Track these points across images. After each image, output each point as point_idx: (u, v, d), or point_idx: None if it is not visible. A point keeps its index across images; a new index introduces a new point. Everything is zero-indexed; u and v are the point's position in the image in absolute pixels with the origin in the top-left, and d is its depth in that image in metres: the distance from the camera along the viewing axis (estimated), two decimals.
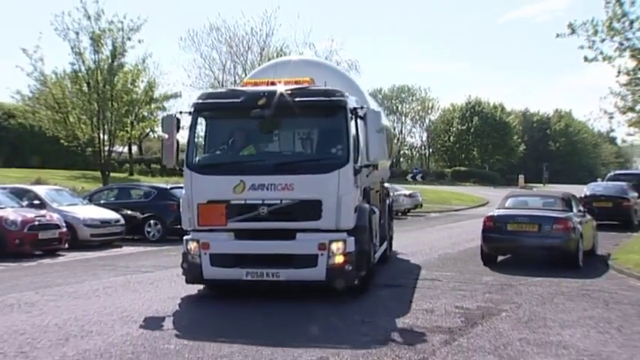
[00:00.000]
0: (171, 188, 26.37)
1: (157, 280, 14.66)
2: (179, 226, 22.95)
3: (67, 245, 19.96)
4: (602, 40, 24.26)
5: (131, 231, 23.12)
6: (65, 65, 38.16)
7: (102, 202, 24.79)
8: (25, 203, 21.07)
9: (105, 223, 22.11)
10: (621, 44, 24.35)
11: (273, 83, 12.25)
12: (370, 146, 11.74)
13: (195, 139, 12.20)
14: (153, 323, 10.19)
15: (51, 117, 38.55)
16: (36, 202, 21.58)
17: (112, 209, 23.24)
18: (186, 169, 11.89)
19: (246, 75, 52.83)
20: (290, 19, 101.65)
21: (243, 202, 11.41)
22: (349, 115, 11.76)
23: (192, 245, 11.68)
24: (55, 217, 20.01)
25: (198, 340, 9.09)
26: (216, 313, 11.32)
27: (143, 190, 26.47)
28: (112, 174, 40.57)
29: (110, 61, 36.81)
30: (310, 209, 11.31)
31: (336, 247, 11.25)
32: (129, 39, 36.93)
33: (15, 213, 19.26)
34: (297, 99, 11.57)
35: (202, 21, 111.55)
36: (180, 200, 12.27)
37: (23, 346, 8.82)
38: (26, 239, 18.72)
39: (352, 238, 11.40)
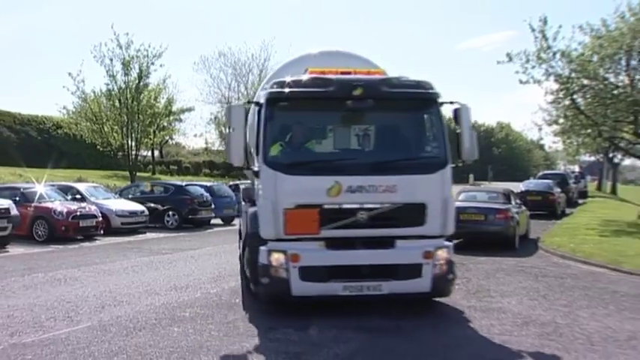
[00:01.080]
0: (186, 185, 26.42)
1: (175, 260, 14.63)
2: (191, 217, 23.62)
3: (102, 232, 19.93)
4: (533, 67, 24.74)
5: (153, 220, 23.03)
6: (101, 85, 38.21)
7: (130, 196, 24.65)
8: (69, 197, 21.04)
9: (133, 213, 22.03)
10: (547, 71, 24.85)
11: (345, 73, 9.02)
12: (465, 145, 8.90)
13: (274, 134, 8.59)
14: (172, 295, 10.19)
15: (90, 127, 38.63)
16: (78, 196, 21.60)
17: (138, 202, 23.18)
18: (267, 167, 8.37)
19: (248, 92, 52.95)
20: (284, 46, 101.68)
21: (337, 206, 8.30)
22: (441, 109, 8.98)
23: (277, 257, 8.29)
24: (93, 209, 19.98)
25: (208, 309, 9.13)
26: (226, 289, 11.08)
27: (163, 186, 26.37)
28: (138, 173, 40.46)
29: (137, 81, 36.81)
30: (414, 214, 8.41)
31: (441, 254, 8.56)
32: (152, 64, 36.98)
33: (61, 205, 19.26)
34: (394, 90, 8.61)
35: (212, 48, 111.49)
36: (258, 204, 8.74)
37: (69, 312, 8.87)
38: (70, 226, 18.73)
39: (451, 244, 8.85)
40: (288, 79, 8.72)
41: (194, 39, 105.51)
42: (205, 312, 8.92)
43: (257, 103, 8.86)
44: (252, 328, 8.00)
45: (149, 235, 21.22)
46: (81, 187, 23.22)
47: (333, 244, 8.38)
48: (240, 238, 12.57)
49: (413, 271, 8.41)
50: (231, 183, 32.95)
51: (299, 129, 9.06)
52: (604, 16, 32.39)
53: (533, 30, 24.42)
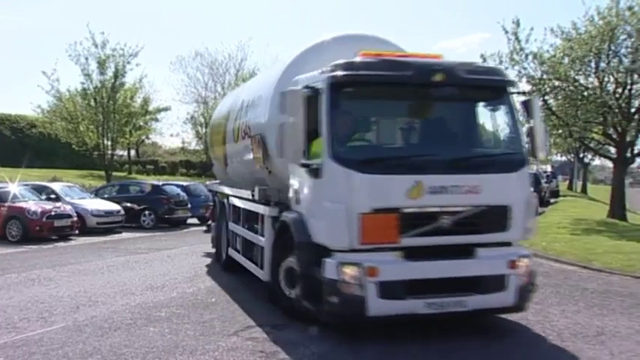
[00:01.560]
0: (163, 185, 26.23)
1: (151, 260, 14.51)
2: (168, 216, 23.44)
3: (77, 231, 19.65)
4: (506, 68, 24.96)
5: (129, 220, 22.80)
6: (77, 84, 37.90)
7: (106, 196, 24.40)
8: (43, 197, 20.76)
9: (108, 213, 21.80)
10: (520, 72, 25.19)
11: (400, 57, 7.90)
12: (538, 140, 7.78)
13: (340, 125, 7.25)
14: (148, 295, 10.11)
15: (65, 127, 38.34)
16: (52, 196, 21.33)
17: (114, 202, 22.95)
18: (336, 164, 7.07)
19: (225, 92, 52.73)
20: (260, 47, 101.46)
21: (417, 210, 7.11)
22: (513, 99, 7.91)
23: (350, 271, 6.96)
24: (68, 209, 19.71)
25: (184, 309, 9.08)
26: (202, 288, 11.00)
27: (139, 186, 26.17)
28: (113, 173, 40.17)
29: (113, 80, 36.57)
30: (497, 218, 7.36)
31: (525, 263, 7.55)
32: (128, 63, 36.78)
33: (36, 205, 18.96)
34: (474, 76, 7.57)
35: (189, 48, 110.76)
36: (328, 208, 7.16)
37: (43, 312, 8.75)
38: (45, 226, 18.45)
39: (531, 252, 7.90)
40: (344, 61, 7.40)
41: (170, 38, 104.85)
42: (181, 311, 8.87)
43: (313, 89, 7.43)
44: (229, 327, 7.96)
45: (125, 234, 21.00)
46: (56, 186, 22.92)
47: (412, 254, 7.17)
48: (230, 244, 12.02)
49: (497, 283, 7.37)
50: (207, 182, 32.79)
51: (369, 119, 8.03)
52: (574, 19, 32.92)
53: (506, 32, 24.80)
